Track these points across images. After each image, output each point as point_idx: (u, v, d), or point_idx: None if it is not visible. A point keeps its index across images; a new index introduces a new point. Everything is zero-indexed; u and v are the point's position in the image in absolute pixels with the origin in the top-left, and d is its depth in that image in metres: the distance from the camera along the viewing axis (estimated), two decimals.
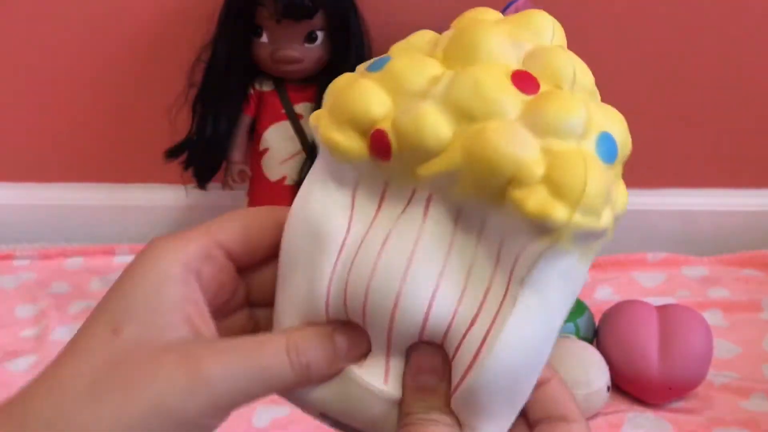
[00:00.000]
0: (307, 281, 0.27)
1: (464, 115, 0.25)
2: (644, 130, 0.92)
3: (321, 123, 0.27)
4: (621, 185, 0.28)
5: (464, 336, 0.25)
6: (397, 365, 0.27)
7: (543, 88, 0.26)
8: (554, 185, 0.24)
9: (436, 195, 0.26)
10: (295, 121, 0.84)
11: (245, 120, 0.84)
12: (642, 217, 0.95)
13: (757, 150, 0.93)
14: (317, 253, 0.27)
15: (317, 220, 0.27)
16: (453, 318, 0.26)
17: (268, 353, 0.26)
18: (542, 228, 0.24)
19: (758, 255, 0.91)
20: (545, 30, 0.29)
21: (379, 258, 0.26)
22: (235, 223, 0.29)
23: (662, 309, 0.71)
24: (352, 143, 0.26)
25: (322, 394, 0.28)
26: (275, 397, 0.72)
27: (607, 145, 0.26)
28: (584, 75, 0.27)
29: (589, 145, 0.25)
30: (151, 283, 0.26)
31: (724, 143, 0.93)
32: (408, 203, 0.26)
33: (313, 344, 0.27)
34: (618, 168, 0.27)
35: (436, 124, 0.25)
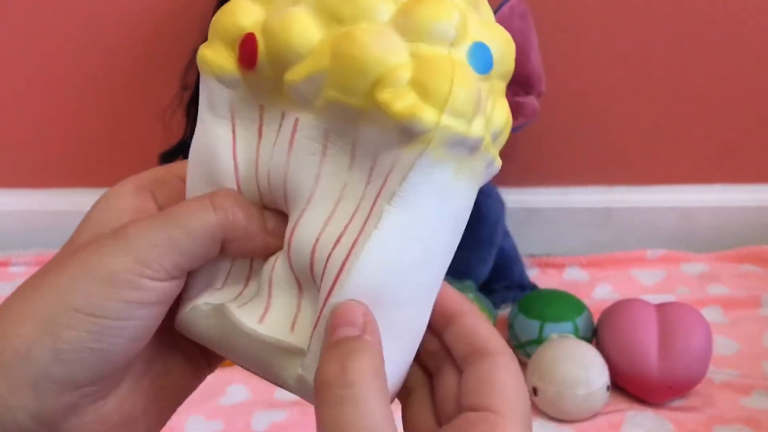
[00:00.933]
0: None
1: (334, 18, 0.24)
2: (641, 126, 0.92)
3: (199, 49, 0.27)
4: (501, 103, 0.27)
5: (327, 259, 0.25)
6: (282, 301, 0.27)
7: None
8: (421, 87, 0.23)
9: (302, 116, 0.25)
10: None
11: None
12: (640, 215, 0.94)
13: (754, 145, 0.93)
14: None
15: (205, 160, 0.27)
16: (316, 242, 0.25)
17: (191, 204, 0.26)
18: (410, 132, 0.23)
19: (757, 250, 0.91)
20: None
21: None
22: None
23: (661, 307, 0.71)
24: (221, 54, 0.26)
25: (205, 332, 0.28)
26: (274, 400, 0.72)
27: (481, 55, 0.25)
28: None
29: (460, 53, 0.24)
30: (106, 201, 0.29)
31: (721, 139, 0.93)
32: (279, 129, 0.26)
33: (238, 201, 0.27)
34: (495, 82, 0.27)
35: (304, 24, 0.24)
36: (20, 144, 0.96)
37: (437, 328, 0.28)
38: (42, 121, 0.95)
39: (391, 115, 0.23)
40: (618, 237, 0.95)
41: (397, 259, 0.24)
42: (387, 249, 0.24)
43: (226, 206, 0.26)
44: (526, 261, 0.91)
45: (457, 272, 0.79)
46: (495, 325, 0.75)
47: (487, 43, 0.25)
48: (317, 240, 0.25)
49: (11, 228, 0.98)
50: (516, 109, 0.79)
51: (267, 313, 0.27)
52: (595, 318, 0.74)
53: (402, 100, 0.23)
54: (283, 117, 0.26)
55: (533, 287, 0.84)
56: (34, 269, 0.92)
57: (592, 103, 0.90)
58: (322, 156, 0.25)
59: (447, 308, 0.28)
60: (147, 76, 0.90)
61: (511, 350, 0.27)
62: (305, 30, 0.24)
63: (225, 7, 0.26)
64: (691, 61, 0.88)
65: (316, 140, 0.25)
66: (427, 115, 0.23)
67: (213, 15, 0.85)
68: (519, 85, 0.79)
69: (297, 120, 0.25)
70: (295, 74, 0.24)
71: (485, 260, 0.82)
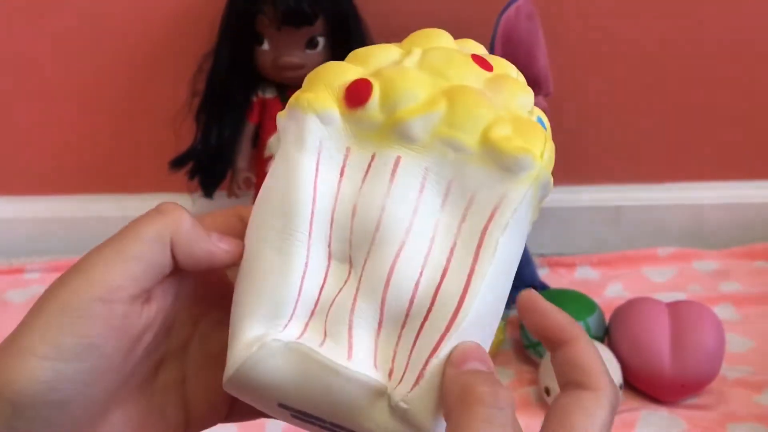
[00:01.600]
0: (279, 260, 0.26)
1: (440, 75, 0.28)
2: (651, 124, 0.92)
3: (294, 95, 0.29)
4: None
5: (436, 294, 0.26)
6: (363, 340, 0.26)
7: (495, 71, 0.29)
8: (523, 135, 0.27)
9: (404, 154, 0.27)
10: None
11: (249, 127, 0.84)
12: (651, 213, 0.94)
13: (765, 142, 0.93)
14: (288, 223, 0.27)
15: (283, 190, 0.27)
16: (421, 275, 0.26)
17: (141, 216, 0.28)
18: (522, 166, 0.26)
19: None
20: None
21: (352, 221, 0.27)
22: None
23: (673, 306, 0.71)
24: (323, 95, 0.28)
25: (276, 376, 0.25)
26: None
27: (543, 126, 0.30)
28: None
29: (535, 119, 0.29)
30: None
31: (732, 136, 0.92)
32: (369, 168, 0.27)
33: (183, 209, 0.28)
34: None
35: (419, 74, 0.28)
36: (31, 152, 0.97)
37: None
38: (53, 129, 0.95)
39: (508, 151, 0.26)
40: (629, 235, 0.94)
41: (504, 286, 0.27)
42: (498, 279, 0.26)
43: (172, 209, 0.27)
44: (536, 261, 0.91)
45: None
46: (506, 325, 0.75)
47: (542, 118, 0.31)
48: (421, 274, 0.26)
49: (25, 235, 0.99)
50: None
51: (352, 351, 0.26)
52: (607, 317, 0.74)
53: (515, 140, 0.27)
54: (374, 158, 0.27)
55: (544, 287, 0.84)
56: (48, 276, 0.93)
57: (600, 101, 0.90)
58: (419, 193, 0.27)
59: (557, 335, 0.27)
60: (157, 84, 0.91)
61: (609, 385, 0.26)
62: (421, 79, 0.28)
63: (326, 65, 0.29)
64: (701, 58, 0.88)
65: (416, 177, 0.27)
66: (537, 150, 0.27)
67: (222, 23, 0.86)
68: None
69: (399, 158, 0.27)
70: (410, 112, 0.27)
71: None
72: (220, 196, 0.86)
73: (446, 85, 0.28)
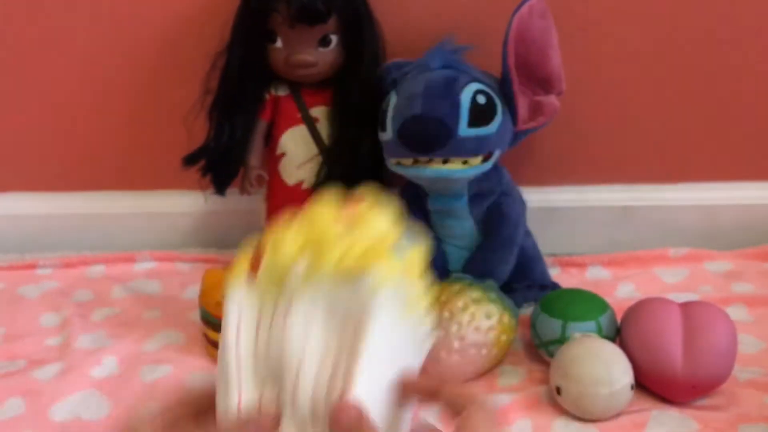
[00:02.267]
0: (224, 391, 0.37)
1: (309, 236, 0.38)
2: (662, 124, 0.92)
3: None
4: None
5: (326, 394, 0.35)
6: None
7: (357, 216, 0.39)
8: (368, 258, 0.36)
9: (294, 296, 0.37)
10: (311, 124, 0.84)
11: (261, 125, 0.85)
12: (661, 213, 0.94)
13: None
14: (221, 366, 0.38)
15: (221, 341, 0.38)
16: (316, 384, 0.36)
17: None
18: (367, 283, 0.36)
19: None
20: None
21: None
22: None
23: (685, 306, 0.70)
24: (241, 268, 0.39)
25: None
26: None
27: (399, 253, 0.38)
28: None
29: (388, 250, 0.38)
30: None
31: (744, 136, 0.92)
32: (273, 313, 0.38)
33: None
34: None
35: (294, 239, 0.38)
36: (45, 149, 0.98)
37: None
38: (67, 126, 0.96)
39: (356, 274, 0.36)
40: (639, 235, 0.94)
41: (386, 372, 0.37)
42: (376, 369, 0.36)
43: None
44: (547, 260, 0.91)
45: (478, 272, 0.79)
46: (517, 324, 0.75)
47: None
48: (316, 386, 0.35)
49: (38, 231, 1.00)
50: (536, 109, 0.79)
51: None
52: (618, 317, 0.73)
53: (361, 264, 0.36)
54: (276, 305, 0.38)
55: (555, 286, 0.84)
56: (59, 271, 0.94)
57: (611, 101, 0.90)
58: (308, 324, 0.36)
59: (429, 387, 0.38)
60: (170, 82, 0.91)
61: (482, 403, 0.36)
62: (295, 241, 0.38)
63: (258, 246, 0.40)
64: (712, 58, 0.88)
65: (303, 313, 0.37)
66: (379, 269, 0.36)
67: (235, 21, 0.87)
68: (539, 85, 0.79)
69: (291, 300, 0.37)
70: (287, 267, 0.37)
71: (507, 260, 0.82)
72: (232, 193, 0.87)
73: (311, 240, 0.37)
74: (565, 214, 0.94)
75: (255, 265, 0.38)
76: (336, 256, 0.37)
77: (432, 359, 0.71)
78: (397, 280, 0.37)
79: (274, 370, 0.37)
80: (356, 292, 0.36)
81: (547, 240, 0.92)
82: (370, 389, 0.35)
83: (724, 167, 0.94)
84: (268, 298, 0.38)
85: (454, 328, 0.70)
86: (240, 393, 0.37)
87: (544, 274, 0.86)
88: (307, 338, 0.36)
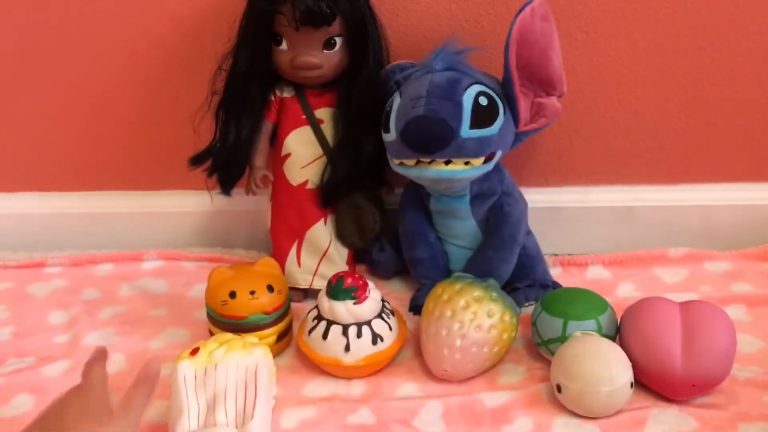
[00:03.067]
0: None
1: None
2: (663, 125, 0.92)
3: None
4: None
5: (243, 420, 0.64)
6: None
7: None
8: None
9: (219, 365, 0.67)
10: (316, 126, 0.85)
11: (267, 126, 0.86)
12: (663, 213, 0.95)
13: None
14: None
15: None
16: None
17: None
18: (255, 352, 0.69)
19: None
20: None
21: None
22: None
23: (685, 306, 0.71)
24: (186, 353, 0.69)
25: None
26: (302, 398, 0.75)
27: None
28: None
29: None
30: None
31: (744, 137, 0.93)
32: (206, 375, 0.67)
33: None
34: None
35: (219, 340, 0.71)
36: (55, 149, 0.99)
37: None
38: (77, 127, 0.97)
39: (246, 348, 0.70)
40: (641, 236, 0.95)
41: (268, 407, 0.67)
42: (264, 405, 0.66)
43: None
44: (548, 260, 0.92)
45: (480, 272, 0.80)
46: (518, 323, 0.76)
47: None
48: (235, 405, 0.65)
49: (47, 230, 1.01)
50: (537, 110, 0.80)
51: None
52: (619, 316, 0.74)
53: (249, 348, 0.71)
54: (214, 368, 0.67)
55: (556, 286, 0.85)
56: (68, 270, 0.95)
57: (613, 102, 0.91)
58: (234, 376, 0.67)
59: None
60: (177, 83, 0.92)
61: None
62: (217, 341, 0.71)
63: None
64: (713, 61, 0.88)
65: (229, 372, 0.67)
66: (259, 346, 0.72)
67: (241, 23, 0.89)
68: (541, 86, 0.79)
69: (215, 366, 0.67)
70: (212, 350, 0.69)
71: (508, 260, 0.83)
72: (238, 193, 0.88)
73: (222, 341, 0.70)
74: (568, 214, 0.95)
75: (194, 352, 0.68)
76: (239, 345, 0.69)
77: (434, 357, 0.72)
78: (266, 356, 0.70)
79: (209, 399, 0.65)
80: (251, 357, 0.68)
81: (549, 240, 0.93)
82: (264, 417, 0.65)
83: (725, 169, 0.94)
84: (206, 364, 0.67)
85: (455, 326, 0.71)
86: (189, 413, 0.64)
87: (546, 273, 0.87)
88: (227, 380, 0.66)
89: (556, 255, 0.94)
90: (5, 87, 0.95)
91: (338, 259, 0.88)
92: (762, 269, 0.89)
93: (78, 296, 0.90)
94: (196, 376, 0.66)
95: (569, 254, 0.94)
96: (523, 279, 0.84)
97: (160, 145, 0.96)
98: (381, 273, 0.92)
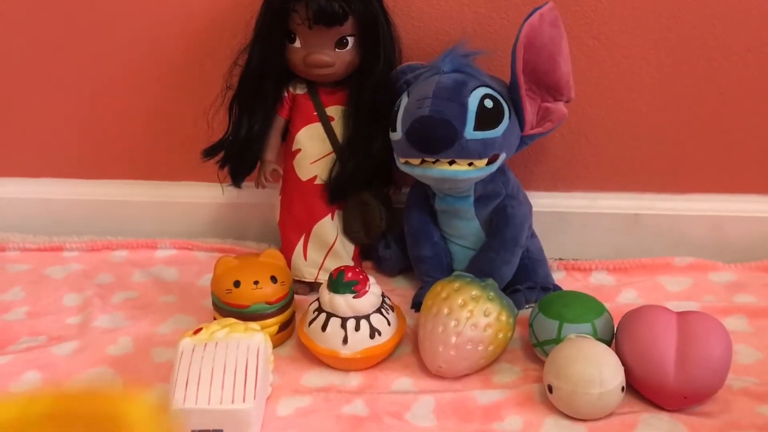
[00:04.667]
0: None
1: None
2: (672, 134, 0.92)
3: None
4: None
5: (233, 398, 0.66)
6: None
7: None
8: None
9: (219, 342, 0.70)
10: (327, 123, 0.87)
11: (279, 121, 0.88)
12: (669, 222, 0.94)
13: None
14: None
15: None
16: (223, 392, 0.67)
17: None
18: (254, 335, 0.72)
19: None
20: None
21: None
22: None
23: (682, 316, 0.70)
24: (190, 332, 0.72)
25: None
26: (299, 387, 0.76)
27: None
28: None
29: None
30: None
31: (756, 148, 0.92)
32: (212, 347, 0.70)
33: None
34: None
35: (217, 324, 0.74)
36: (76, 139, 1.02)
37: None
38: (97, 118, 1.00)
39: (246, 330, 0.73)
40: (647, 244, 0.95)
41: (263, 390, 0.71)
42: (261, 382, 0.68)
43: None
44: (553, 264, 0.92)
45: (481, 272, 0.81)
46: (515, 323, 0.77)
47: None
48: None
49: (67, 215, 1.04)
50: (544, 115, 0.81)
51: None
52: (617, 322, 0.74)
53: (251, 327, 0.74)
54: (215, 344, 0.70)
55: (557, 289, 0.85)
56: (85, 255, 0.98)
57: (623, 109, 0.91)
58: (224, 353, 0.69)
59: None
60: (193, 77, 0.94)
61: None
62: (219, 325, 0.74)
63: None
64: (723, 70, 0.88)
65: (228, 349, 0.69)
66: (259, 331, 0.74)
67: (257, 20, 0.91)
68: (548, 91, 0.80)
69: (216, 343, 0.70)
70: (214, 332, 0.72)
71: (509, 261, 0.83)
72: (249, 186, 0.90)
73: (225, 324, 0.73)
74: (575, 219, 0.96)
75: (197, 332, 0.71)
76: (241, 329, 0.71)
77: (430, 353, 0.73)
78: (266, 342, 0.72)
79: (204, 373, 0.66)
80: (252, 340, 0.70)
81: (555, 244, 0.93)
82: (259, 400, 0.67)
83: (734, 180, 0.94)
84: (206, 341, 0.70)
85: (451, 323, 0.72)
86: (185, 383, 0.66)
87: (548, 276, 0.87)
88: (226, 356, 0.68)
89: (561, 259, 0.94)
90: (32, 79, 0.98)
91: (344, 254, 0.89)
92: (766, 281, 0.89)
93: (92, 280, 0.93)
94: (194, 350, 0.68)
95: (574, 259, 0.94)
96: (524, 281, 0.85)
97: (176, 138, 0.99)
98: (386, 270, 0.93)
